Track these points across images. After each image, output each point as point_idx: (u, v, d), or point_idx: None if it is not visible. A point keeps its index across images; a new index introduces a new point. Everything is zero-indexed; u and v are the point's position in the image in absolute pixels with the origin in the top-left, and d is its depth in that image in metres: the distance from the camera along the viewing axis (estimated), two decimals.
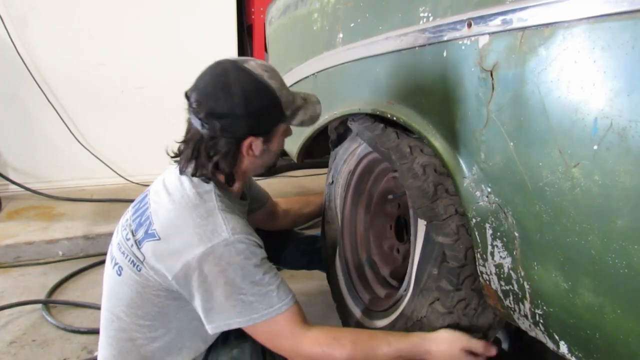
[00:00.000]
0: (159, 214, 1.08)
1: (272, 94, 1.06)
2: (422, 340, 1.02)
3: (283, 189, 3.56)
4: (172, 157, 1.16)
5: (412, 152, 1.08)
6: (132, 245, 1.11)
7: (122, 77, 3.31)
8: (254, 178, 1.57)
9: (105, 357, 1.18)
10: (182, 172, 1.13)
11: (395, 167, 1.13)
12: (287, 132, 1.19)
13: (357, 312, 1.42)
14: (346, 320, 1.48)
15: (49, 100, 3.26)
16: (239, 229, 1.03)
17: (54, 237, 2.54)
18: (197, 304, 1.03)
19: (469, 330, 1.04)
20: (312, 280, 2.14)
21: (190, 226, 1.02)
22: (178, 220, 1.05)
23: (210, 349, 1.20)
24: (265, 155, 1.15)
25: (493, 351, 1.01)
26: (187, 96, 1.09)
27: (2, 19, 3.05)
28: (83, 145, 3.41)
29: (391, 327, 1.22)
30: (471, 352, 1.01)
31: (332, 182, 1.57)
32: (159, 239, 1.05)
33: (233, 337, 1.18)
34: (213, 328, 1.03)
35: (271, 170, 3.96)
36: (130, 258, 1.11)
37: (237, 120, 1.04)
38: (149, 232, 1.08)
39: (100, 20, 3.27)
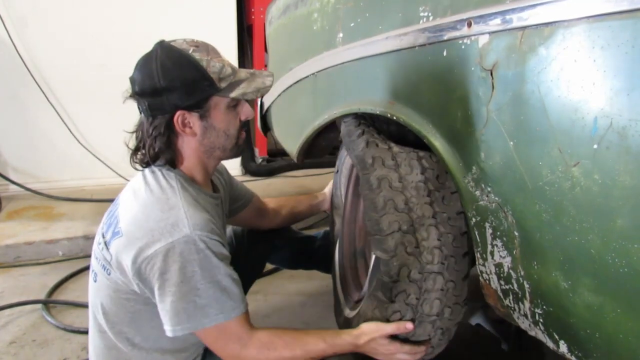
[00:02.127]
0: (124, 212, 1.07)
1: (194, 65, 1.03)
2: (350, 337, 1.08)
3: (283, 189, 3.57)
4: (129, 148, 1.15)
5: (374, 164, 1.09)
6: (102, 249, 1.09)
7: (122, 78, 3.29)
8: (245, 178, 1.57)
9: None
10: (136, 162, 1.13)
11: (360, 176, 1.14)
12: (239, 110, 1.13)
13: (341, 298, 1.45)
14: (336, 305, 1.50)
15: (49, 100, 3.27)
16: (202, 225, 1.00)
17: (54, 237, 2.54)
18: (157, 302, 1.02)
19: (407, 340, 1.07)
20: (312, 280, 2.14)
21: (151, 220, 1.00)
22: (140, 215, 1.03)
23: (207, 351, 1.20)
24: (211, 134, 1.09)
25: (410, 326, 1.03)
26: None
27: (2, 19, 3.05)
28: (83, 145, 3.41)
29: (350, 322, 1.25)
30: (393, 336, 1.06)
31: (337, 171, 1.60)
32: (122, 235, 1.03)
33: None
34: (169, 331, 1.01)
35: (271, 170, 3.97)
36: (102, 262, 1.10)
37: (160, 94, 1.03)
38: (115, 230, 1.07)
39: (100, 20, 3.28)
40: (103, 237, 1.11)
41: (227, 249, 1.06)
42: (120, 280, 1.06)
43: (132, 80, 1.08)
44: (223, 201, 1.30)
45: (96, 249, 1.14)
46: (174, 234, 0.98)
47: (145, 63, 1.06)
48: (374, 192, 1.05)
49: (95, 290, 1.14)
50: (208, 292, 0.99)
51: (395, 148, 1.13)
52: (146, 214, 1.02)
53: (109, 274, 1.08)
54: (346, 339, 1.08)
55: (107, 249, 1.07)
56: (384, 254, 1.02)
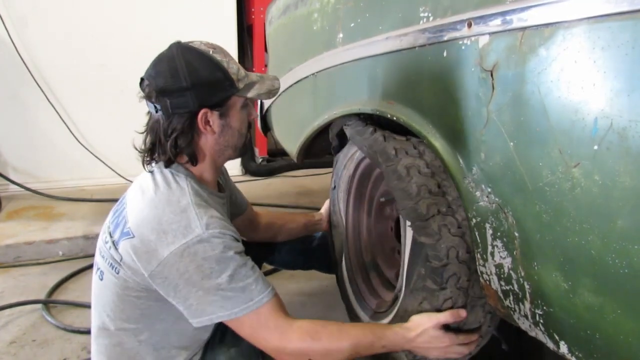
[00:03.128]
0: (134, 213, 1.08)
1: (217, 65, 1.07)
2: (401, 330, 1.04)
3: (283, 189, 3.57)
4: (138, 151, 1.15)
5: (397, 154, 1.09)
6: (110, 248, 1.10)
7: (122, 77, 3.31)
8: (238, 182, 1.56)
9: None
10: (148, 163, 1.14)
11: (382, 170, 1.13)
12: (248, 111, 1.17)
13: (362, 314, 1.42)
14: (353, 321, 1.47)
15: (49, 100, 3.26)
16: (213, 223, 1.02)
17: (54, 237, 2.53)
18: (177, 301, 1.02)
19: (459, 329, 1.04)
20: (312, 280, 2.14)
21: (164, 223, 1.02)
22: (151, 217, 1.04)
23: (207, 348, 1.20)
24: (227, 133, 1.13)
25: (464, 313, 1.01)
26: (140, 85, 1.10)
27: (2, 19, 3.05)
28: (83, 145, 3.41)
29: None
30: (445, 327, 1.02)
31: (335, 187, 1.58)
32: (134, 237, 1.04)
33: (230, 336, 1.17)
34: (197, 322, 1.02)
35: (271, 170, 3.96)
36: (109, 261, 1.10)
37: (185, 93, 1.05)
38: (124, 231, 1.07)
39: (100, 20, 3.28)
40: (110, 236, 1.11)
41: (240, 241, 1.06)
42: (131, 279, 1.06)
43: (150, 79, 1.08)
44: (227, 201, 1.31)
45: (102, 247, 1.14)
46: (187, 235, 0.99)
47: (165, 62, 1.07)
48: (404, 181, 1.05)
49: (101, 288, 1.14)
50: (231, 285, 0.99)
51: (413, 139, 1.13)
52: (158, 217, 1.03)
53: (118, 273, 1.08)
54: (397, 332, 1.03)
55: (116, 248, 1.08)
56: (428, 238, 1.01)
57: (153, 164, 1.14)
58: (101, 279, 1.14)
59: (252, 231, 1.58)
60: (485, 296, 1.00)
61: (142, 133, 1.15)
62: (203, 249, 0.99)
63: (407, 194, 1.04)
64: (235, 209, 1.47)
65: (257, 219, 1.59)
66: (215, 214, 1.05)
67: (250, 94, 1.12)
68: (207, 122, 1.09)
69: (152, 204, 1.05)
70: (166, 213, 1.03)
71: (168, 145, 1.08)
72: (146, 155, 1.14)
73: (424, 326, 1.01)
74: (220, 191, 1.26)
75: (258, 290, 1.01)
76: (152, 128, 1.12)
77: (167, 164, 1.11)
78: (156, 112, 1.09)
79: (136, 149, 1.15)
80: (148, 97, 1.08)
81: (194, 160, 1.12)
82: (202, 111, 1.07)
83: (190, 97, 1.05)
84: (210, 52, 1.07)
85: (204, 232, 1.00)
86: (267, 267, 1.84)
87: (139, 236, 1.03)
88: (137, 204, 1.09)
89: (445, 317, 1.01)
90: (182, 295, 1.01)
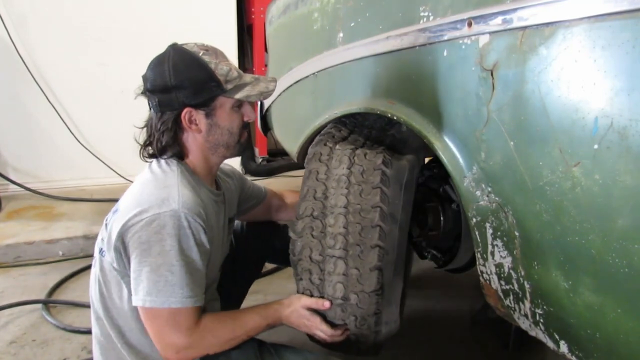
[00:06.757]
0: (126, 194, 1.14)
1: (202, 66, 1.10)
2: (279, 306, 1.18)
3: (283, 189, 3.56)
4: (139, 144, 1.20)
5: (312, 159, 1.22)
6: (102, 231, 1.15)
7: (122, 77, 3.30)
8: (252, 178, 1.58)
9: (95, 357, 1.21)
10: (143, 155, 1.19)
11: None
12: (243, 112, 1.19)
13: None
14: None
15: (49, 100, 3.27)
16: (190, 205, 1.06)
17: (54, 237, 2.54)
18: (131, 270, 1.06)
19: (327, 321, 1.15)
20: None
21: (145, 194, 1.08)
22: (138, 193, 1.10)
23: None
24: (215, 132, 1.16)
25: (327, 304, 1.12)
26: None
27: (2, 19, 3.05)
28: (83, 145, 3.41)
29: None
30: (312, 309, 1.15)
31: None
32: (118, 211, 1.10)
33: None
34: (135, 300, 1.05)
35: (271, 170, 3.96)
36: (99, 245, 1.15)
37: (170, 92, 1.10)
38: (114, 209, 1.14)
39: (100, 20, 3.28)
40: (106, 220, 1.16)
41: (207, 237, 1.09)
42: (111, 258, 1.10)
43: (145, 78, 1.14)
44: (227, 202, 1.32)
45: (99, 235, 1.19)
46: (162, 207, 1.04)
47: (158, 63, 1.12)
48: (304, 182, 1.19)
49: (93, 277, 1.18)
50: (181, 270, 1.03)
51: (338, 146, 1.21)
52: (142, 191, 1.10)
53: (104, 256, 1.13)
54: (276, 309, 1.16)
55: (107, 229, 1.13)
56: (293, 234, 1.17)
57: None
58: (94, 266, 1.19)
59: (278, 213, 1.64)
60: (487, 296, 1.01)
61: (142, 128, 1.20)
62: (171, 225, 1.03)
63: (301, 194, 1.19)
64: (250, 202, 1.53)
65: (282, 201, 1.64)
66: (196, 199, 1.09)
67: (238, 95, 1.14)
68: (191, 121, 1.13)
69: (142, 185, 1.12)
70: (150, 188, 1.09)
71: (154, 140, 1.14)
72: (143, 148, 1.19)
73: (294, 305, 1.16)
74: (216, 189, 1.28)
75: (194, 289, 1.05)
76: (148, 123, 1.18)
77: (152, 157, 1.17)
78: (150, 108, 1.15)
79: (137, 141, 1.20)
80: (143, 94, 1.15)
81: (178, 156, 1.17)
82: (186, 110, 1.12)
83: (174, 96, 1.10)
84: (200, 54, 1.11)
85: (180, 209, 1.04)
86: (269, 266, 1.84)
87: (122, 210, 1.09)
88: (131, 187, 1.16)
89: (310, 301, 1.15)
90: (133, 265, 1.04)
